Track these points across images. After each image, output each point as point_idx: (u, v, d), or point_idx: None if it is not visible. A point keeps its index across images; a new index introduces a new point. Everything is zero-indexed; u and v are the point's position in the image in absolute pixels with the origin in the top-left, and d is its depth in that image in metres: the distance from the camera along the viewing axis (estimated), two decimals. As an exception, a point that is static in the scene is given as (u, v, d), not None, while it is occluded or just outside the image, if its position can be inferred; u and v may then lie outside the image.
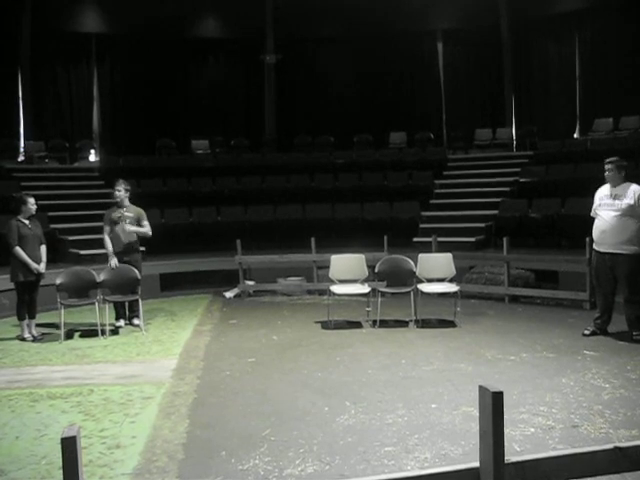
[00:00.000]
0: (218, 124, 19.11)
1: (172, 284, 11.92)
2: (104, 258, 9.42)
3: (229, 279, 11.59)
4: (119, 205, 9.19)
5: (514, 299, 10.22)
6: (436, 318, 8.93)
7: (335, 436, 4.80)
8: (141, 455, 4.55)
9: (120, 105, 19.19)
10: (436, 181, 15.63)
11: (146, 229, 9.22)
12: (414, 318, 8.71)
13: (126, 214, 9.14)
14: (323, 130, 18.53)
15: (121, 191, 9.20)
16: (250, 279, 11.77)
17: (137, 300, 8.91)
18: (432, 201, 14.79)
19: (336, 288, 8.98)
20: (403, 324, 8.74)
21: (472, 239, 12.53)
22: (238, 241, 11.20)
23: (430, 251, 10.33)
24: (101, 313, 8.53)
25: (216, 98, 19.51)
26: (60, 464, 2.01)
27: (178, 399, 5.81)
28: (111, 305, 8.92)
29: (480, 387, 2.24)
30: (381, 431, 4.87)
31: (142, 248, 9.59)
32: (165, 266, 11.98)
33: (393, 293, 9.14)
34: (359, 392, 5.84)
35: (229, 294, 11.40)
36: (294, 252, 11.60)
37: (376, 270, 9.03)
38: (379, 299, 8.84)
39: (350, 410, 5.35)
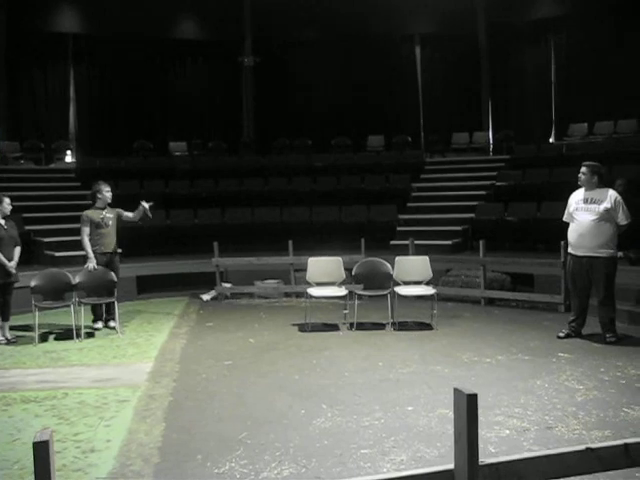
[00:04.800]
0: (196, 126, 19.05)
1: (149, 286, 11.85)
2: (80, 260, 9.33)
3: (206, 282, 11.54)
4: (100, 206, 9.10)
5: (490, 302, 10.29)
6: (413, 321, 8.97)
7: (311, 439, 4.80)
8: (116, 459, 4.51)
9: (97, 106, 19.04)
10: (413, 184, 15.69)
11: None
12: (391, 321, 8.74)
13: (108, 216, 9.08)
14: (301, 133, 18.54)
15: (109, 192, 9.15)
16: (227, 282, 11.74)
17: (113, 302, 8.85)
18: (409, 204, 14.84)
19: (313, 291, 8.98)
20: (380, 327, 8.76)
21: (449, 242, 12.59)
22: (215, 243, 11.16)
23: (407, 254, 10.37)
24: (76, 316, 8.45)
25: (194, 100, 19.45)
26: (33, 469, 1.99)
27: (154, 402, 5.78)
28: (87, 307, 8.85)
29: (455, 390, 2.25)
30: (357, 434, 4.88)
31: (119, 250, 9.52)
32: (142, 268, 11.89)
33: (370, 296, 9.16)
34: (336, 395, 5.85)
35: (206, 297, 11.36)
36: (271, 255, 11.59)
37: (353, 273, 9.05)
38: (356, 302, 8.86)
39: (327, 413, 5.36)
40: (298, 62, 19.95)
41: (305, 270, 9.39)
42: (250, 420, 5.24)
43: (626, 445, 2.45)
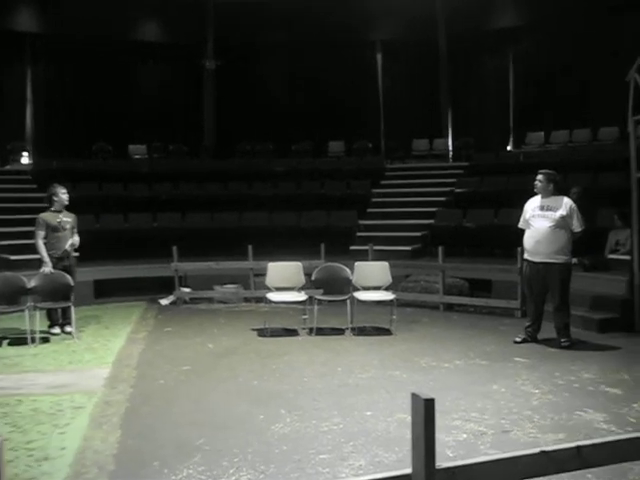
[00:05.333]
0: (157, 129, 18.84)
1: (106, 291, 11.68)
2: (36, 264, 9.15)
3: (165, 286, 11.43)
4: (57, 209, 8.94)
5: (449, 307, 10.39)
6: (372, 326, 9.01)
7: (270, 444, 4.79)
8: (70, 467, 4.43)
9: (55, 107, 18.72)
10: (374, 190, 15.79)
11: (78, 239, 9.06)
12: (350, 326, 8.77)
13: (65, 219, 8.92)
14: (262, 137, 18.51)
15: (66, 195, 8.99)
16: (186, 286, 11.64)
17: (70, 307, 8.69)
18: (369, 210, 14.93)
19: (273, 296, 8.96)
20: (339, 332, 8.78)
21: (408, 248, 12.68)
22: (174, 248, 11.07)
23: (367, 259, 10.42)
24: (31, 320, 8.27)
25: (155, 103, 19.26)
26: (-17, 477, 1.94)
27: (110, 408, 5.69)
28: (42, 312, 8.68)
29: (412, 394, 2.27)
30: (316, 439, 4.88)
31: (76, 254, 9.37)
32: (99, 272, 11.71)
33: (330, 301, 9.17)
34: (295, 400, 5.84)
35: (164, 301, 11.25)
36: (231, 259, 11.53)
37: (313, 278, 9.06)
38: (315, 307, 8.86)
39: (285, 418, 5.34)
40: (260, 66, 19.94)
41: (265, 275, 9.37)
42: (208, 426, 5.19)
43: (578, 447, 2.50)
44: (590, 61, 16.08)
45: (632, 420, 5.18)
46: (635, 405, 5.53)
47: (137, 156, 18.09)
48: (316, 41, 19.03)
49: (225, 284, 11.56)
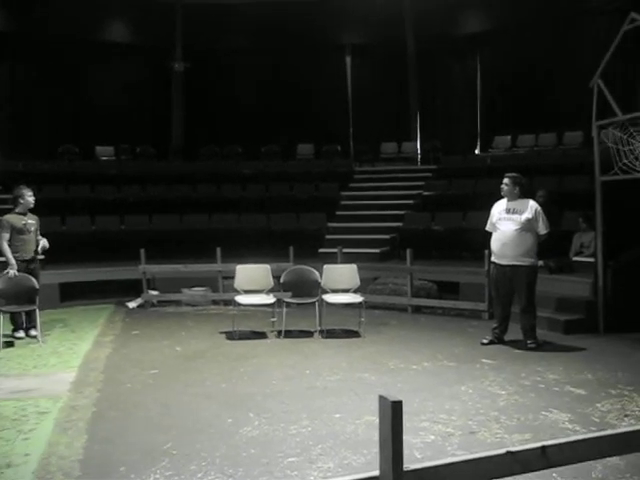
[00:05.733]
0: (124, 131, 18.57)
1: (73, 294, 11.54)
2: (0, 266, 8.99)
3: (132, 289, 11.33)
4: (21, 211, 8.81)
5: (417, 309, 10.46)
6: (340, 328, 9.02)
7: (238, 448, 4.76)
8: (34, 473, 4.35)
9: (20, 107, 18.33)
10: (342, 193, 15.84)
11: (46, 242, 8.97)
12: (319, 328, 8.78)
13: (30, 222, 8.80)
14: (231, 140, 18.44)
15: (32, 197, 8.86)
16: (154, 289, 11.55)
17: (35, 310, 8.56)
18: (338, 213, 14.97)
19: (241, 298, 8.93)
20: (308, 335, 8.78)
21: (377, 250, 12.74)
22: (142, 250, 10.97)
23: (336, 262, 10.44)
24: (-5, 324, 8.14)
25: (123, 104, 18.99)
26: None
27: (76, 413, 5.62)
28: (6, 316, 8.53)
29: (380, 397, 2.28)
30: (285, 442, 4.87)
31: (41, 256, 9.25)
32: (65, 275, 11.57)
33: (298, 304, 9.17)
34: (263, 403, 5.82)
35: (132, 304, 11.15)
36: (199, 262, 11.48)
37: (281, 280, 9.04)
38: (284, 310, 8.85)
39: (254, 421, 5.32)
40: (229, 69, 19.83)
41: (233, 277, 9.33)
42: (176, 430, 5.15)
43: (543, 447, 2.53)
44: (556, 66, 16.30)
45: (596, 420, 5.26)
46: (599, 405, 5.62)
47: (104, 158, 17.87)
48: (285, 44, 19.00)
49: (193, 287, 11.50)
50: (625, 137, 8.38)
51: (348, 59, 20.43)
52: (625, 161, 8.34)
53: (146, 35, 19.23)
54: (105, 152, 18.00)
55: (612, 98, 8.56)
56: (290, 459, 4.54)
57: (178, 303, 11.36)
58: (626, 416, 5.35)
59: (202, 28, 18.74)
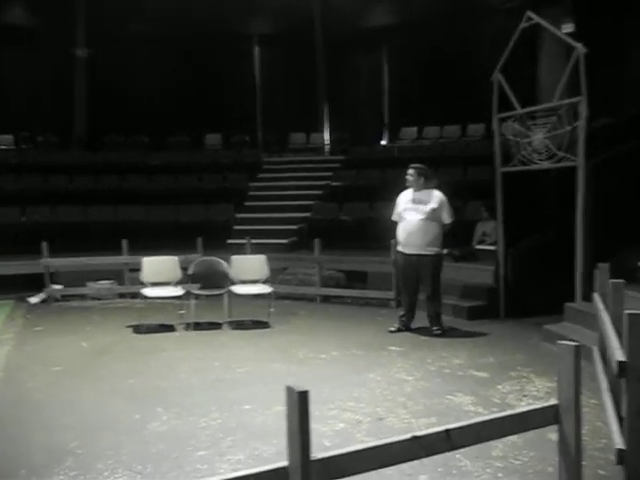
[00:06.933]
0: (24, 118, 17.86)
1: (-32, 290, 11.03)
2: None
3: (34, 283, 10.92)
4: None
5: (326, 299, 10.55)
6: (250, 319, 9.00)
7: (147, 444, 4.68)
8: None
9: None
10: (251, 183, 15.79)
11: None
12: (228, 320, 8.74)
13: None
14: (137, 129, 18.02)
15: None
16: (57, 283, 11.17)
17: None
18: (247, 203, 14.91)
19: (148, 291, 8.76)
20: (217, 326, 8.72)
21: (286, 241, 12.77)
22: (44, 243, 10.60)
23: (245, 253, 10.39)
24: None
25: (22, 91, 18.20)
26: None
27: (-27, 415, 5.39)
28: None
29: (287, 387, 2.30)
30: (194, 436, 4.82)
31: None
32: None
33: (207, 295, 9.08)
34: (172, 397, 5.74)
35: (34, 299, 10.75)
36: (105, 255, 11.19)
37: (190, 272, 8.94)
38: (193, 302, 8.75)
39: (162, 416, 5.24)
40: (136, 57, 19.26)
41: (140, 270, 9.15)
42: (81, 428, 5.01)
43: (447, 431, 2.62)
44: (459, 60, 16.72)
45: (497, 401, 5.47)
46: (499, 387, 5.86)
47: (3, 147, 17.15)
48: (194, 33, 18.67)
49: (99, 280, 11.20)
50: (524, 130, 8.72)
51: (256, 49, 20.34)
52: (523, 153, 8.68)
53: (47, 19, 18.45)
54: (4, 141, 17.28)
55: (511, 92, 8.87)
56: (200, 453, 4.50)
57: (83, 297, 11.04)
58: (524, 396, 5.59)
59: (107, 14, 18.13)
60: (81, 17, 18.57)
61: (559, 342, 2.93)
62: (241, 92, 19.92)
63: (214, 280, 8.97)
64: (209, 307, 9.29)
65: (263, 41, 20.25)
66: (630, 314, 3.44)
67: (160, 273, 9.03)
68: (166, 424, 5.08)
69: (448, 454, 3.15)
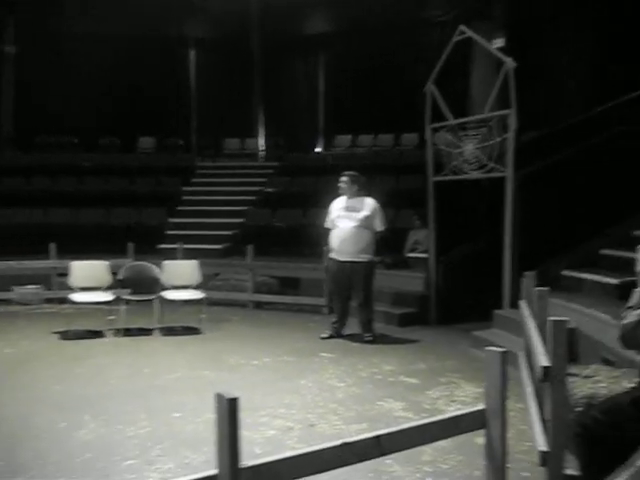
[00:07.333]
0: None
1: None
2: None
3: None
4: None
5: (258, 305, 10.51)
6: (181, 325, 8.89)
7: (72, 453, 4.56)
8: None
9: None
10: (184, 188, 15.61)
11: None
12: (158, 326, 8.62)
13: None
14: (67, 131, 17.59)
15: None
16: (-21, 288, 10.79)
17: None
18: (180, 208, 14.74)
19: (77, 296, 8.56)
20: (147, 332, 8.59)
21: (219, 246, 12.69)
22: (-34, 246, 10.24)
23: (177, 258, 10.27)
24: None
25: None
26: None
27: None
28: None
29: (216, 394, 2.29)
30: (122, 444, 4.72)
31: None
32: None
33: (138, 300, 8.92)
34: (100, 405, 5.61)
35: (-46, 305, 10.37)
36: (32, 258, 10.86)
37: (120, 277, 8.78)
38: (123, 307, 8.59)
39: (89, 424, 5.12)
40: (67, 55, 18.76)
41: (69, 275, 8.93)
42: (2, 439, 4.84)
43: (377, 437, 2.64)
44: (395, 69, 16.94)
45: (427, 407, 5.55)
46: (429, 392, 5.95)
47: None
48: (127, 33, 18.34)
49: (25, 285, 10.87)
50: (455, 140, 8.90)
51: (192, 52, 20.16)
52: (455, 163, 8.87)
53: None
54: None
55: (444, 103, 9.06)
56: (128, 462, 4.41)
57: (8, 302, 10.69)
58: (453, 402, 5.70)
59: (37, 9, 17.65)
60: (9, 13, 18.01)
61: (487, 348, 2.99)
62: (176, 95, 19.69)
63: (145, 285, 8.83)
64: (140, 313, 9.12)
65: (200, 45, 20.09)
66: (554, 321, 3.54)
67: (89, 278, 8.83)
68: (93, 432, 4.96)
69: (379, 459, 3.17)
